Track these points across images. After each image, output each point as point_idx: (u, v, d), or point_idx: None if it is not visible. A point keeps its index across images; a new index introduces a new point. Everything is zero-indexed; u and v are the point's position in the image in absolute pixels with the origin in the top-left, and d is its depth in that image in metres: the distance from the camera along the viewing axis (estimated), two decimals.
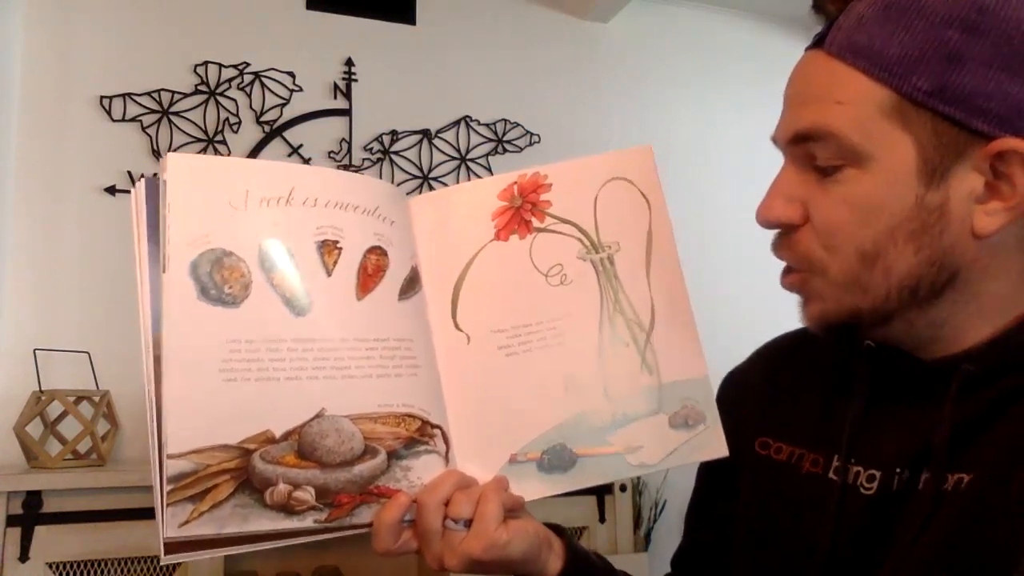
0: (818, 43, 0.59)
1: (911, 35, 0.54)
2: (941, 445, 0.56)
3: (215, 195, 0.58)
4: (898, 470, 0.58)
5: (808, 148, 0.58)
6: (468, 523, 0.61)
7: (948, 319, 0.58)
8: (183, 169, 0.58)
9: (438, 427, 0.64)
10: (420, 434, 0.62)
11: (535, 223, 0.68)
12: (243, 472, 0.55)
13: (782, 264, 0.65)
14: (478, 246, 0.68)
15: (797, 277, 0.61)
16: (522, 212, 0.68)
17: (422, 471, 0.62)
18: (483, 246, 0.68)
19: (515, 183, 0.68)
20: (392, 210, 0.65)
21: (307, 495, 0.57)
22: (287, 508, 0.57)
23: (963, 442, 0.56)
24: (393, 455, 0.60)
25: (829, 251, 0.58)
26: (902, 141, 0.55)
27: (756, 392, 0.74)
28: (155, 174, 0.57)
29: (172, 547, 0.54)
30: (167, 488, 0.53)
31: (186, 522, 0.54)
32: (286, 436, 0.57)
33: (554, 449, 0.65)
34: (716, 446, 0.66)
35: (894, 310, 0.58)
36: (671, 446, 0.65)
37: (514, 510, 0.63)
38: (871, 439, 0.61)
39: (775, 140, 0.62)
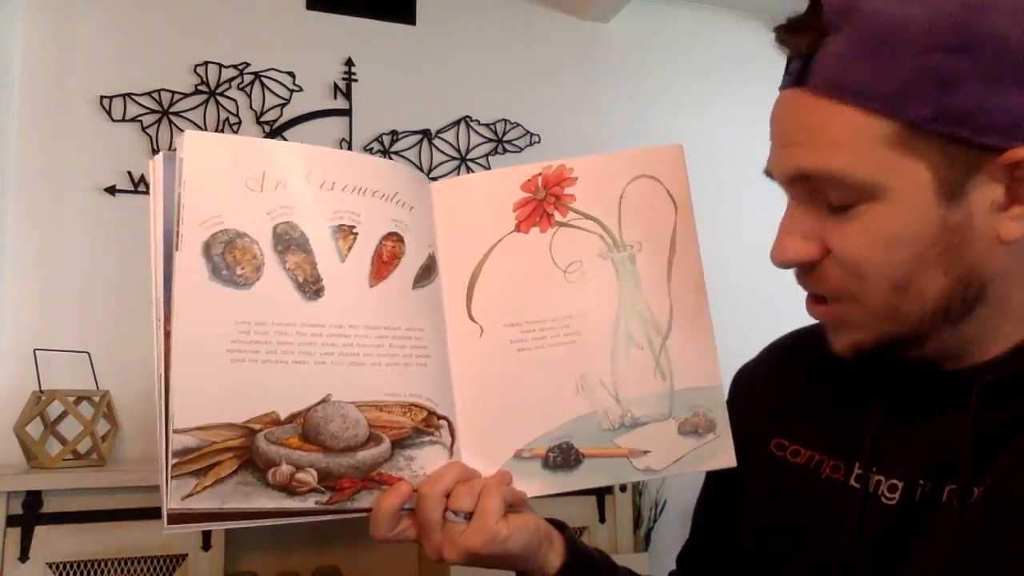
0: (796, 82, 0.56)
1: (898, 66, 0.52)
2: (966, 459, 0.55)
3: (231, 175, 0.58)
4: (921, 481, 0.58)
5: (811, 186, 0.56)
6: (468, 516, 0.61)
7: (978, 333, 0.58)
8: (200, 147, 0.57)
9: (444, 418, 0.63)
10: (426, 425, 0.62)
11: (557, 217, 0.66)
12: (247, 451, 0.56)
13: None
14: (498, 236, 0.66)
15: (830, 309, 0.59)
16: (545, 205, 0.66)
17: (425, 461, 0.62)
18: (503, 237, 0.66)
19: (540, 174, 0.66)
20: (412, 195, 0.64)
21: (309, 477, 0.58)
22: (289, 488, 0.57)
23: (987, 455, 0.55)
24: (397, 444, 0.60)
25: (859, 279, 0.56)
26: (913, 168, 0.53)
27: (768, 391, 0.73)
28: (173, 148, 0.57)
29: (174, 518, 0.55)
30: (172, 461, 0.54)
31: (189, 495, 0.55)
32: (291, 419, 0.57)
33: (560, 447, 0.64)
34: (724, 457, 0.65)
35: (928, 332, 0.57)
36: (678, 453, 0.65)
37: (515, 505, 0.63)
38: (893, 449, 0.61)
39: (769, 174, 0.60)
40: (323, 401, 0.58)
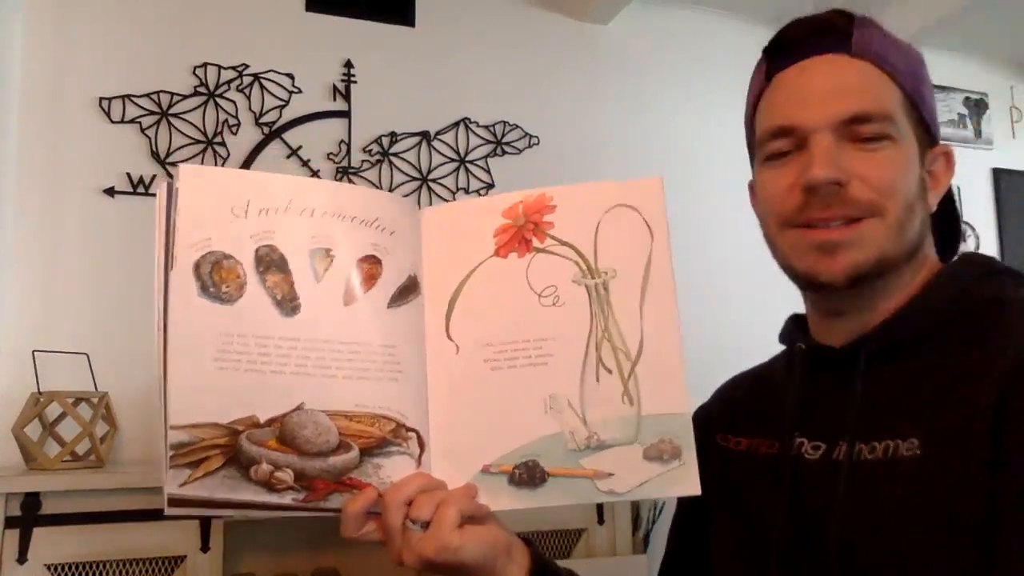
0: (837, 49, 0.70)
1: (902, 55, 0.71)
2: (852, 419, 0.67)
3: (220, 203, 0.65)
4: (840, 442, 0.67)
5: (853, 126, 0.68)
6: (427, 525, 0.63)
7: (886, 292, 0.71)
8: (193, 178, 0.66)
9: (414, 431, 0.67)
10: (394, 435, 0.66)
11: (535, 243, 0.69)
12: (232, 449, 0.63)
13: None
14: (478, 260, 0.70)
15: (851, 228, 0.68)
16: (523, 231, 0.70)
17: (392, 470, 0.66)
18: (482, 261, 0.70)
19: (520, 202, 0.71)
20: (395, 221, 0.70)
21: (287, 476, 0.64)
22: (268, 485, 0.63)
23: (882, 414, 0.66)
24: (366, 452, 0.65)
25: (886, 196, 0.67)
26: (908, 130, 0.70)
27: (718, 407, 0.84)
28: (172, 178, 0.65)
29: (173, 502, 0.62)
30: (170, 453, 0.61)
31: (184, 483, 0.62)
32: (269, 423, 0.64)
33: (527, 465, 0.66)
34: (688, 484, 0.65)
35: (907, 260, 0.70)
36: (643, 477, 0.65)
37: (478, 518, 0.65)
38: (813, 417, 0.71)
39: (802, 123, 0.69)
40: (297, 408, 0.64)
